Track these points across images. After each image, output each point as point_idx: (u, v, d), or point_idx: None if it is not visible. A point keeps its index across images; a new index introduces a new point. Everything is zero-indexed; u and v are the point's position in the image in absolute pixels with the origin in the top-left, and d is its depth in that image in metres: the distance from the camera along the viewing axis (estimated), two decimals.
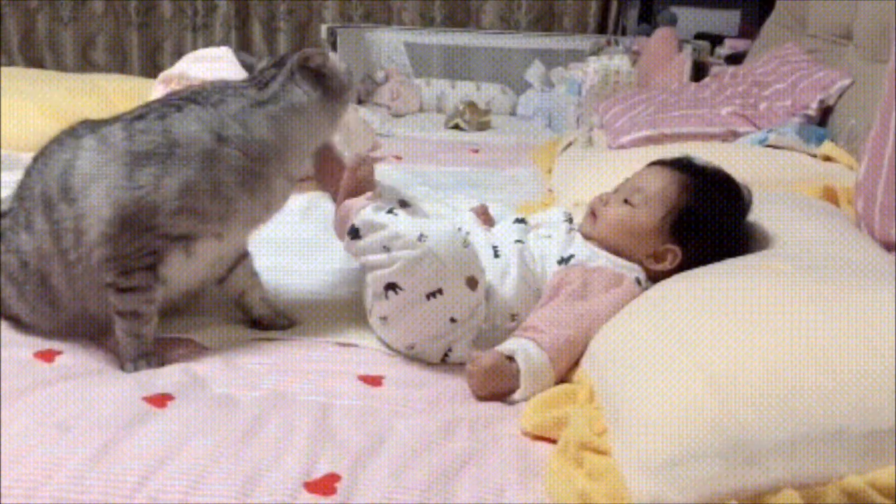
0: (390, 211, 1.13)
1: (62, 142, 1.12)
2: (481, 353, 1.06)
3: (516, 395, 1.04)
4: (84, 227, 1.06)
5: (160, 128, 1.08)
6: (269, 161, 1.12)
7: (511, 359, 1.06)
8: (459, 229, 1.14)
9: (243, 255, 1.24)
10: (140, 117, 1.11)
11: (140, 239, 1.07)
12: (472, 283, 1.09)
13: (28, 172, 1.14)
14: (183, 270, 1.12)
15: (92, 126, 1.12)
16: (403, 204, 1.26)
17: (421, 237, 1.06)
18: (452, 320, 1.10)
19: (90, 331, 1.15)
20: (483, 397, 1.05)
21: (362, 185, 1.20)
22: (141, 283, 1.10)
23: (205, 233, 1.10)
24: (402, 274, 1.07)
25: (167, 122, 1.09)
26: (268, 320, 1.23)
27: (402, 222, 1.10)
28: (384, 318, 1.14)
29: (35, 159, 1.14)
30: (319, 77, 1.17)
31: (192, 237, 1.10)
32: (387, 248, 1.08)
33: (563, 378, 1.08)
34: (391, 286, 1.09)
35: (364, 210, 1.13)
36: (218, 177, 1.09)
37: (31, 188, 1.12)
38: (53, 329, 1.15)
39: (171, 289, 1.14)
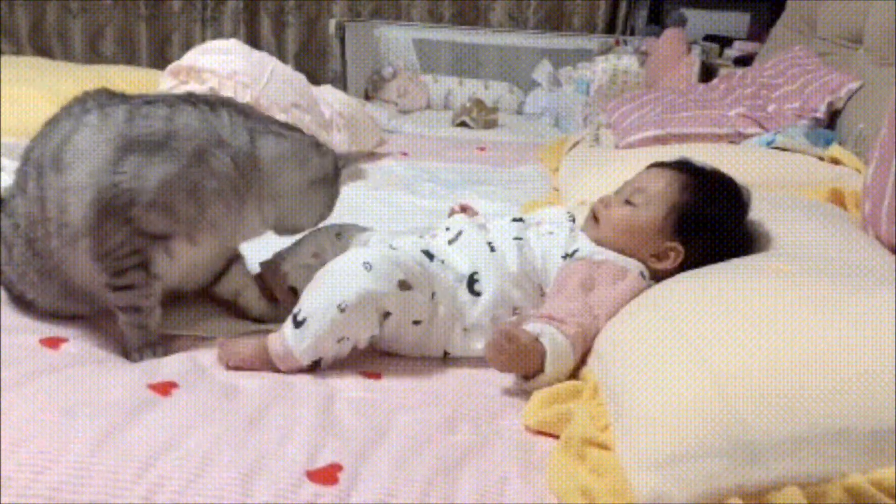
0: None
1: (71, 110, 1.12)
2: (513, 329, 1.05)
3: (541, 378, 1.03)
4: (66, 203, 1.06)
5: (164, 114, 1.08)
6: (251, 184, 1.12)
7: (536, 340, 1.05)
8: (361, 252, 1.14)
9: (235, 258, 1.24)
10: (150, 102, 1.11)
11: (120, 232, 1.06)
12: (403, 285, 1.09)
13: (36, 136, 1.14)
14: (169, 270, 1.12)
15: (105, 100, 1.12)
16: (339, 236, 1.28)
17: (340, 307, 1.05)
18: (417, 322, 1.12)
19: (78, 306, 1.15)
20: (503, 371, 1.06)
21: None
22: (135, 280, 1.10)
23: (178, 233, 1.09)
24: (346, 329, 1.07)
25: (173, 110, 1.09)
26: (269, 319, 1.23)
27: (312, 313, 1.06)
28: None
29: (45, 124, 1.14)
30: (337, 177, 1.23)
31: (168, 237, 1.09)
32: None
33: (571, 374, 1.07)
34: (342, 339, 1.08)
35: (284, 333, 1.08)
36: (199, 179, 1.08)
37: (33, 151, 1.12)
38: (44, 301, 1.15)
39: (163, 284, 1.14)
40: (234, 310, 1.25)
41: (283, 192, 1.17)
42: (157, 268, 1.11)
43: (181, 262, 1.12)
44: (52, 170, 1.07)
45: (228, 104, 1.15)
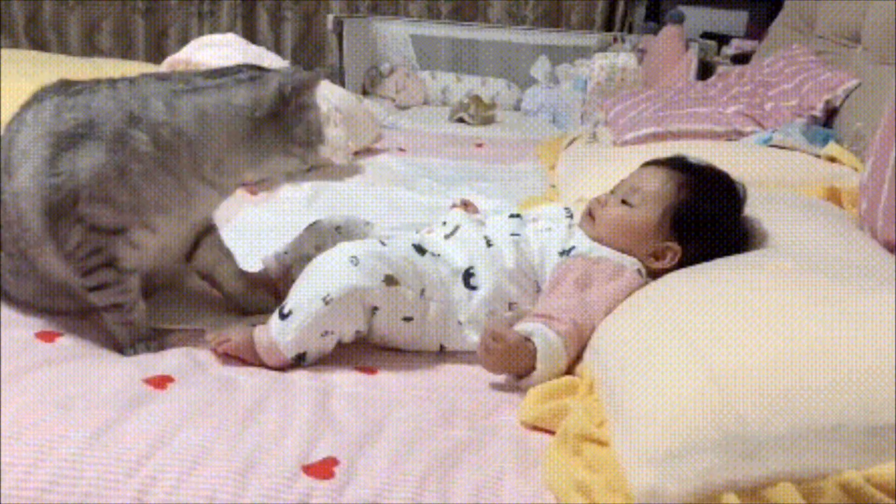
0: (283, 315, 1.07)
1: (24, 107, 1.09)
2: (500, 328, 1.05)
3: (534, 376, 1.04)
4: (22, 208, 1.04)
5: (85, 102, 1.04)
6: (178, 154, 1.04)
7: (527, 339, 1.06)
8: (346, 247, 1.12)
9: (207, 231, 1.20)
10: (78, 92, 1.06)
11: (75, 233, 1.04)
12: (390, 281, 1.09)
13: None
14: (139, 262, 1.10)
15: (50, 93, 1.07)
16: (339, 229, 1.28)
17: (325, 300, 1.05)
18: (407, 319, 1.12)
19: (62, 304, 1.14)
20: (495, 372, 1.06)
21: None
22: (106, 279, 1.07)
23: (130, 223, 1.05)
24: (334, 322, 1.07)
25: (92, 96, 1.04)
26: (242, 298, 1.21)
27: (298, 305, 1.06)
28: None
29: (6, 125, 1.11)
30: (285, 107, 1.07)
31: (123, 229, 1.05)
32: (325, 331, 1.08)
33: (567, 370, 1.08)
34: (325, 333, 1.07)
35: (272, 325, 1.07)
36: (124, 163, 1.02)
37: None
38: (28, 300, 1.14)
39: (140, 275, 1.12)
40: (211, 287, 1.22)
41: (227, 147, 1.06)
42: (126, 262, 1.08)
43: (148, 251, 1.10)
44: (5, 173, 1.05)
45: (148, 75, 1.09)
